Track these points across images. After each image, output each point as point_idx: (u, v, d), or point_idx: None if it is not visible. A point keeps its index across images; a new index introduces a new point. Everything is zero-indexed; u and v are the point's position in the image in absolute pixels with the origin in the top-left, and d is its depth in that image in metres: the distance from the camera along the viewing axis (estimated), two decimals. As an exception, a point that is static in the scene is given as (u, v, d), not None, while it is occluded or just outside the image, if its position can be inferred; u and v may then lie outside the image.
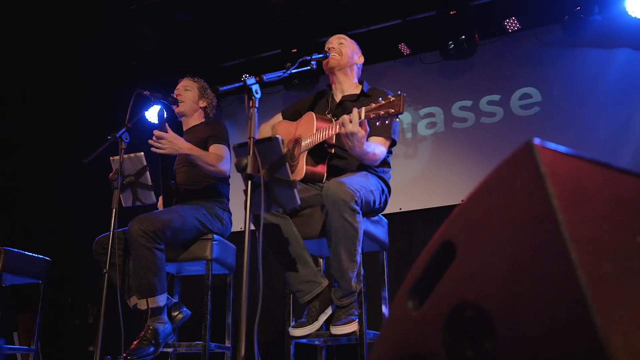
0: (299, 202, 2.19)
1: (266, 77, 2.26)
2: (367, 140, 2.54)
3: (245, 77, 2.31)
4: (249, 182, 2.01)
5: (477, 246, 1.06)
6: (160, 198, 3.30)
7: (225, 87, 2.25)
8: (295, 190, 2.17)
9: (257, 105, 2.15)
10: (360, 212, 2.43)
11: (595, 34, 4.94)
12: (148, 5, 5.54)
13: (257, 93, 2.16)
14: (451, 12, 5.11)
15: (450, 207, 5.23)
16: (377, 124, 2.46)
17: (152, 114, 5.35)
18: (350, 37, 5.48)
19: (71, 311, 5.38)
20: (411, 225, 5.21)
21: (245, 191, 2.02)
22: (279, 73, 2.42)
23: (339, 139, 2.72)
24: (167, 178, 3.20)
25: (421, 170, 5.40)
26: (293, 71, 2.54)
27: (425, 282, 1.16)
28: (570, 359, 0.83)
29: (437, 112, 5.51)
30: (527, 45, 5.27)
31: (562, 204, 0.93)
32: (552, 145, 1.03)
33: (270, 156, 2.14)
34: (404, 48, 5.53)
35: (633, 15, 4.68)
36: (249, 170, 2.01)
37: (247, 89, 2.15)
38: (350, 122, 2.40)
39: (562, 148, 1.03)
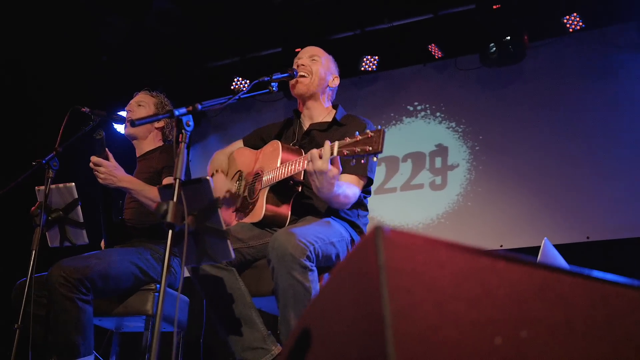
0: (232, 255, 2.37)
1: (202, 105, 2.44)
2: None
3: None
4: (170, 232, 2.20)
5: (326, 337, 1.24)
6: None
7: (142, 121, 2.45)
8: (228, 242, 2.34)
9: (187, 141, 2.34)
10: (315, 269, 2.58)
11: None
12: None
13: (188, 126, 2.34)
14: (494, 6, 5.25)
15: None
16: (353, 162, 2.63)
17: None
18: (370, 35, 5.76)
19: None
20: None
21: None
22: (223, 100, 2.60)
23: (307, 175, 2.90)
24: (110, 214, 3.43)
25: (451, 205, 5.53)
26: (244, 96, 2.74)
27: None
28: None
29: (475, 131, 5.63)
30: (592, 49, 5.35)
31: (394, 302, 1.09)
32: (402, 232, 1.20)
33: (199, 201, 2.33)
34: (435, 50, 5.68)
35: None
36: (169, 218, 2.20)
37: (177, 121, 2.33)
38: (320, 157, 2.57)
39: (414, 234, 1.19)
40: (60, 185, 3.14)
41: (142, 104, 3.73)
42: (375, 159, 2.48)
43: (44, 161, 3.08)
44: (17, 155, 5.58)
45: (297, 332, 1.31)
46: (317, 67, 3.16)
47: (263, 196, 2.92)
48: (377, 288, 1.10)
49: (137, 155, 3.76)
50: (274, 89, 2.92)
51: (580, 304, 1.18)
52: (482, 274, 1.15)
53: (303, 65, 3.15)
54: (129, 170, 3.49)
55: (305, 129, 3.18)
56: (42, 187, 3.08)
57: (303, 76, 3.12)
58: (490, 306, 1.13)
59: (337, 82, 3.26)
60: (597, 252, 4.96)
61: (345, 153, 2.48)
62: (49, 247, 3.24)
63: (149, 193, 3.25)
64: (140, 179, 3.44)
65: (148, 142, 3.74)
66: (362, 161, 2.55)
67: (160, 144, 3.76)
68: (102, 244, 3.58)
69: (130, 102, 3.76)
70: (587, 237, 5.01)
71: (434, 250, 1.15)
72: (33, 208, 3.11)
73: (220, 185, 3.11)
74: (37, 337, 3.14)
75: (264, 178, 2.97)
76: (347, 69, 5.52)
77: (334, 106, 3.25)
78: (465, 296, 1.12)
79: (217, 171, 3.21)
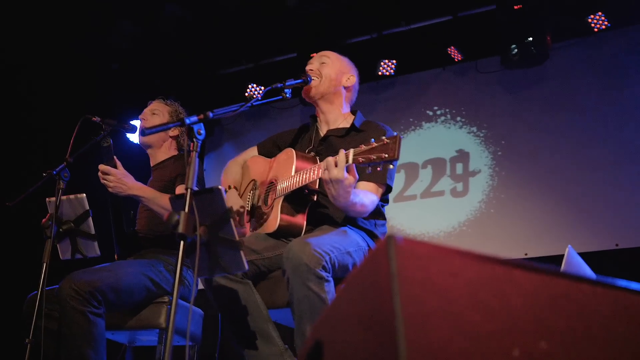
0: (246, 266, 2.39)
1: (213, 113, 2.48)
2: (355, 186, 2.73)
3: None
4: (182, 243, 2.23)
5: (339, 347, 1.25)
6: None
7: (153, 130, 2.49)
8: (242, 253, 2.37)
9: (198, 149, 2.37)
10: (331, 279, 2.60)
11: None
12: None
13: (199, 134, 2.38)
14: (515, 7, 5.24)
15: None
16: (369, 170, 2.65)
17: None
18: (387, 38, 5.78)
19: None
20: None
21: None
22: (235, 107, 2.63)
23: (322, 184, 2.91)
24: (121, 224, 3.47)
25: (473, 213, 5.52)
26: (257, 104, 2.76)
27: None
28: None
29: (498, 136, 5.62)
30: (618, 50, 5.33)
31: (407, 312, 1.10)
32: (414, 241, 1.21)
33: (211, 211, 2.36)
34: (454, 53, 5.69)
35: None
36: (180, 228, 2.23)
37: (188, 129, 2.37)
38: (336, 165, 2.59)
39: (426, 243, 1.19)
40: (72, 196, 3.19)
41: (156, 112, 3.78)
42: (391, 166, 2.49)
43: (54, 172, 3.13)
44: (28, 166, 5.66)
45: (310, 342, 1.33)
46: (327, 70, 3.17)
47: (277, 206, 2.94)
48: (389, 297, 1.11)
49: (152, 165, 3.81)
50: (287, 95, 2.94)
51: (600, 314, 1.17)
52: (498, 283, 1.15)
53: (312, 70, 3.17)
54: (143, 180, 3.53)
55: (322, 134, 3.20)
56: (53, 199, 3.13)
57: (313, 79, 3.15)
58: (507, 316, 1.12)
59: (353, 80, 3.25)
60: (627, 260, 4.91)
61: (360, 160, 2.49)
62: (60, 259, 3.29)
63: (161, 201, 3.28)
64: (155, 187, 3.48)
65: (162, 151, 3.79)
66: (378, 169, 2.56)
67: (175, 153, 3.81)
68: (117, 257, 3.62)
69: (144, 110, 3.82)
70: (617, 245, 4.98)
71: (446, 258, 1.15)
72: (44, 220, 3.15)
73: (233, 202, 3.12)
74: (49, 351, 3.17)
75: (278, 187, 2.99)
76: (365, 73, 5.49)
77: (353, 112, 3.26)
78: (480, 306, 1.12)
79: (230, 187, 3.22)
